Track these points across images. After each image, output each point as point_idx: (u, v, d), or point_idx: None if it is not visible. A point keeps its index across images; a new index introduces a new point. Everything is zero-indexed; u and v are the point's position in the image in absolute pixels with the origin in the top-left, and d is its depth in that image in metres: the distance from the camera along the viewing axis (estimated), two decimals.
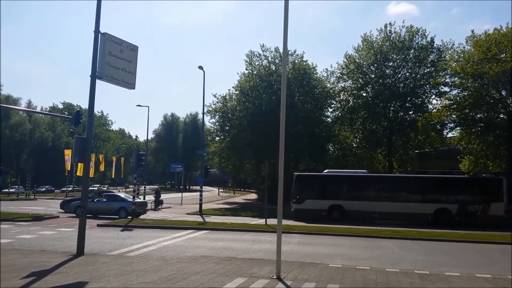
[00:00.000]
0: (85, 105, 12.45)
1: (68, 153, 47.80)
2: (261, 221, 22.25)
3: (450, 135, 35.66)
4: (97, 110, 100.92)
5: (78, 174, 43.57)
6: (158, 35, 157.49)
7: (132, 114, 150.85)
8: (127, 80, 12.85)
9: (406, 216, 24.42)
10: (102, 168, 59.96)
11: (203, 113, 36.49)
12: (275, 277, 8.94)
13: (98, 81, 12.24)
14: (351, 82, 37.35)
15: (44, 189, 62.57)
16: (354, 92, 37.21)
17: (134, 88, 13.07)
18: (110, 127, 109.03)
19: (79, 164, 35.63)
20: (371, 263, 11.43)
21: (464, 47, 32.28)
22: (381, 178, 28.42)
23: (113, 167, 63.53)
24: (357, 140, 39.03)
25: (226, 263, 10.55)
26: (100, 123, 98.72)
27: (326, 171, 29.36)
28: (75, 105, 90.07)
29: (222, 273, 9.25)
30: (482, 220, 23.87)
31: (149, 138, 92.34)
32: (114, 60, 12.41)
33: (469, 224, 23.05)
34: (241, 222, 22.67)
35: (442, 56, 35.01)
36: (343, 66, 36.92)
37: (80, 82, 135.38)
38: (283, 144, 9.55)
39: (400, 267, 10.73)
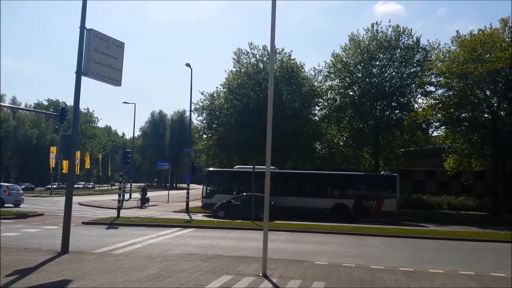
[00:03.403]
0: (70, 102, 12.40)
1: (53, 150, 47.21)
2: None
3: (435, 134, 36.10)
4: (83, 107, 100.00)
5: (63, 171, 43.08)
6: (145, 32, 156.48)
7: (118, 111, 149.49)
8: (113, 76, 12.73)
9: (308, 211, 25.25)
10: (87, 165, 59.44)
11: (191, 111, 36.34)
12: (261, 274, 8.96)
13: (83, 78, 12.12)
14: (338, 81, 37.46)
15: (23, 186, 60.64)
16: (341, 91, 37.33)
17: (120, 85, 12.97)
18: (96, 124, 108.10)
19: (64, 161, 35.23)
20: (357, 260, 11.53)
21: (449, 47, 32.69)
22: (285, 174, 29.12)
23: (99, 165, 62.98)
24: (344, 138, 39.20)
25: (212, 260, 10.55)
26: (86, 120, 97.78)
27: (236, 167, 30.53)
28: (61, 102, 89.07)
29: (208, 270, 9.24)
30: (376, 215, 25.10)
31: (136, 135, 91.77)
32: (100, 57, 12.28)
33: (365, 219, 24.12)
34: (228, 220, 22.64)
35: (428, 56, 35.30)
36: (331, 65, 37.01)
37: (66, 78, 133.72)
38: (270, 142, 9.58)
39: (385, 264, 10.83)
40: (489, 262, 12.26)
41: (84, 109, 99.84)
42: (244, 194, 25.07)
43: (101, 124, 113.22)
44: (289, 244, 14.78)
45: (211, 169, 30.04)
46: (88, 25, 12.07)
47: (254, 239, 15.18)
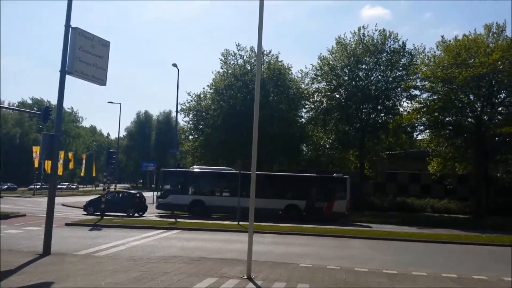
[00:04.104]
0: (55, 101, 12.17)
1: (36, 150, 46.54)
2: (234, 221, 22.19)
3: (419, 137, 36.49)
4: (67, 106, 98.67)
5: (46, 171, 42.47)
6: (131, 31, 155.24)
7: (103, 111, 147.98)
8: (98, 76, 12.61)
9: (261, 211, 25.19)
10: (71, 166, 58.71)
11: (177, 111, 36.10)
12: (245, 277, 8.94)
13: (68, 77, 12.00)
14: (325, 84, 37.63)
15: (6, 186, 59.31)
16: (328, 93, 37.52)
17: (105, 84, 12.86)
18: (81, 124, 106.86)
19: (47, 161, 34.72)
20: (341, 262, 11.57)
21: (434, 52, 33.06)
22: (237, 175, 29.10)
23: (83, 165, 62.22)
24: (330, 141, 39.40)
25: (196, 263, 10.49)
26: (70, 120, 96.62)
27: (193, 167, 31.04)
28: (45, 100, 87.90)
29: (192, 273, 9.18)
30: (327, 216, 25.49)
31: (121, 135, 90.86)
32: (85, 55, 12.16)
33: (316, 219, 24.39)
34: (214, 222, 22.56)
35: (414, 60, 35.67)
36: (317, 68, 37.18)
37: (51, 77, 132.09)
38: (256, 143, 9.57)
39: (369, 267, 10.89)
40: (471, 265, 12.41)
41: (68, 109, 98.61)
42: (115, 191, 26.18)
43: (85, 124, 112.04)
44: (274, 246, 14.77)
45: (165, 169, 30.24)
46: (73, 24, 11.97)
47: (239, 241, 15.13)
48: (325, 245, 15.52)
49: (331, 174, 28.36)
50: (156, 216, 26.00)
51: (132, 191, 31.75)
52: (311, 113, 39.04)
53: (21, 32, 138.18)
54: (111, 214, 24.36)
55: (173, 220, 22.21)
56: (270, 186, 27.09)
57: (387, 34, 35.81)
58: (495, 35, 31.06)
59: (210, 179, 28.49)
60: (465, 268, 11.69)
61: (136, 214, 26.05)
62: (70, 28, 11.93)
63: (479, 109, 30.98)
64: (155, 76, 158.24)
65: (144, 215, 26.66)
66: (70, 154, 60.13)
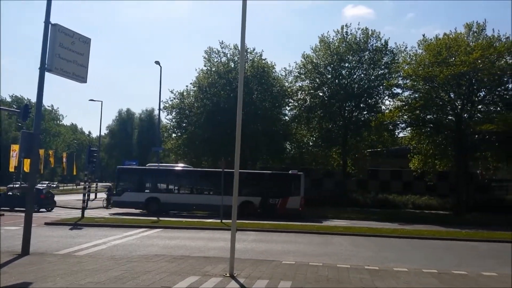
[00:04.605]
0: (35, 98, 11.93)
1: (15, 148, 45.59)
2: (217, 219, 22.14)
3: (401, 135, 36.91)
4: (47, 104, 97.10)
5: (26, 170, 41.69)
6: (112, 28, 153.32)
7: (84, 109, 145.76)
8: (78, 73, 12.44)
9: (215, 208, 25.62)
10: (52, 164, 57.80)
11: (159, 109, 35.92)
12: (228, 275, 8.91)
13: (48, 74, 11.84)
14: (308, 82, 37.76)
15: None
16: (311, 91, 37.66)
17: (85, 82, 12.70)
18: (61, 121, 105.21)
19: (26, 160, 34.12)
20: (324, 259, 11.63)
21: (416, 51, 33.47)
22: (192, 172, 29.94)
23: (64, 164, 61.28)
24: (313, 138, 39.57)
25: (179, 261, 10.41)
26: (50, 118, 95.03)
27: (148, 165, 31.43)
28: (26, 98, 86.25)
29: (174, 272, 9.11)
30: (280, 212, 25.94)
31: (103, 134, 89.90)
32: (65, 53, 11.99)
33: (270, 216, 24.75)
34: (197, 220, 22.45)
35: (396, 58, 36.05)
36: (301, 66, 37.29)
37: (31, 74, 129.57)
38: (239, 141, 9.55)
39: (351, 263, 10.97)
40: (451, 260, 12.61)
41: (49, 106, 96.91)
42: (22, 185, 25.68)
43: (66, 122, 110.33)
44: (257, 244, 14.77)
45: (121, 166, 30.30)
46: (53, 20, 11.79)
47: (222, 239, 15.09)
48: (308, 242, 15.58)
49: (295, 171, 28.40)
50: (109, 214, 25.33)
51: (40, 187, 31.70)
52: (294, 111, 39.14)
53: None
54: (17, 209, 24.45)
55: (155, 218, 22.03)
56: (226, 182, 27.55)
57: (370, 33, 36.13)
58: (475, 34, 31.56)
59: (165, 177, 28.54)
60: (446, 263, 11.87)
61: (42, 210, 26.25)
62: (50, 25, 11.77)
63: (459, 107, 31.48)
64: (137, 74, 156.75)
65: (52, 210, 26.97)
66: (50, 153, 59.13)
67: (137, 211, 26.79)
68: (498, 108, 31.45)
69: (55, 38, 11.71)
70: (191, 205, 27.10)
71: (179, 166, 30.46)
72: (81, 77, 12.56)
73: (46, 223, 18.78)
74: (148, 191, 27.86)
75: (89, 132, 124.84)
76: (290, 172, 27.72)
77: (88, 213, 23.15)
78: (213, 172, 29.82)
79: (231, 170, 30.12)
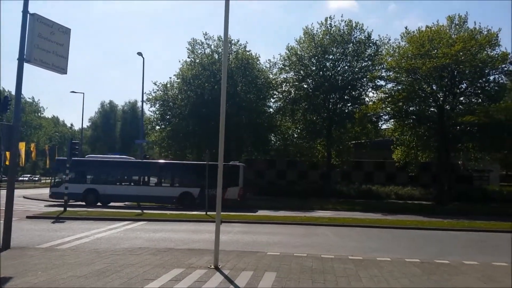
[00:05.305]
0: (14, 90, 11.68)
1: None
2: (202, 211, 22.09)
3: (384, 126, 37.25)
4: (28, 96, 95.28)
5: (6, 163, 40.94)
6: (93, 19, 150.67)
7: (66, 101, 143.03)
8: (58, 64, 12.21)
9: (156, 199, 26.68)
10: (33, 157, 56.87)
11: (142, 101, 35.53)
12: (212, 267, 8.89)
13: (27, 65, 11.62)
14: (293, 74, 37.75)
15: None
16: (296, 83, 37.68)
17: (66, 73, 12.48)
18: (43, 114, 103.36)
19: (7, 153, 33.44)
20: (308, 250, 11.70)
21: (399, 43, 33.67)
22: (132, 163, 30.06)
23: (46, 157, 60.36)
24: (298, 130, 39.68)
25: (163, 254, 10.36)
26: (31, 110, 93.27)
27: (87, 156, 31.82)
28: (7, 90, 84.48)
29: (158, 264, 9.06)
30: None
31: (85, 126, 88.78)
32: (44, 43, 11.77)
33: (208, 206, 24.47)
34: (181, 212, 22.36)
35: (379, 50, 36.25)
36: (285, 58, 37.23)
37: (11, 65, 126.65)
38: (223, 133, 9.48)
39: (335, 254, 11.06)
40: (433, 249, 12.80)
41: (29, 98, 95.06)
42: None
43: (48, 114, 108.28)
44: (242, 235, 14.78)
45: (59, 158, 30.37)
46: (32, 10, 11.54)
47: (207, 231, 15.06)
48: (293, 233, 15.64)
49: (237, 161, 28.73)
50: (45, 206, 25.29)
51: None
52: (279, 103, 39.14)
53: None
54: None
55: (139, 211, 21.89)
56: (165, 174, 28.27)
57: (353, 25, 36.20)
58: (457, 26, 31.89)
59: (104, 168, 28.63)
60: (428, 252, 12.04)
61: None
62: (28, 14, 11.55)
63: (441, 99, 31.85)
64: (120, 65, 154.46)
65: None
66: (32, 145, 58.16)
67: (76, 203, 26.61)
68: (480, 100, 31.95)
69: (34, 28, 11.50)
70: (130, 196, 27.28)
71: (118, 158, 30.48)
72: (61, 68, 12.34)
73: (28, 217, 18.48)
74: (86, 182, 27.84)
75: (71, 125, 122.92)
76: (230, 163, 27.93)
77: (71, 206, 22.79)
78: (150, 164, 30.61)
79: (173, 162, 30.77)
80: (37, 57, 11.61)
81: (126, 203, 27.96)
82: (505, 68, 30.69)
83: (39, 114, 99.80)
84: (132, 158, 31.96)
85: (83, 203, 26.45)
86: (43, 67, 11.97)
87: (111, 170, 28.45)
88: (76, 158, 30.40)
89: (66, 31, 12.43)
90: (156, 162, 32.25)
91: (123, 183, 27.90)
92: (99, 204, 26.63)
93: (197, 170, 28.07)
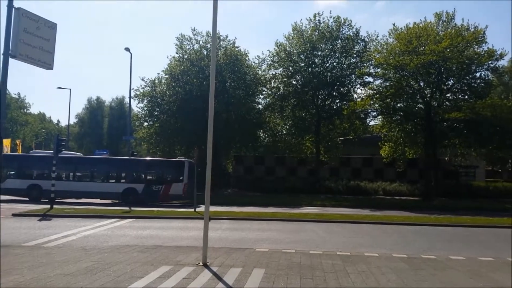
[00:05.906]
0: None
1: None
2: (191, 208, 22.02)
3: (372, 123, 37.51)
4: (13, 92, 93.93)
5: None
6: (79, 14, 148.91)
7: (53, 97, 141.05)
8: (44, 59, 12.10)
9: (100, 195, 26.58)
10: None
11: (130, 97, 35.23)
12: (201, 264, 8.86)
13: (12, 60, 11.48)
14: (281, 70, 37.80)
15: None
16: (285, 79, 37.74)
17: (52, 69, 12.36)
18: (29, 110, 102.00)
19: None
20: (297, 246, 11.72)
21: (387, 40, 33.88)
22: (76, 159, 30.08)
23: None
24: (287, 127, 39.76)
25: (151, 251, 10.30)
26: (17, 106, 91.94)
27: (31, 152, 32.03)
28: None
29: (146, 262, 9.00)
30: (162, 199, 26.68)
31: (72, 122, 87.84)
32: (30, 38, 11.65)
33: (152, 202, 25.50)
34: (169, 209, 22.27)
35: (367, 47, 36.42)
36: (274, 54, 37.24)
37: None
38: (212, 130, 9.43)
39: (323, 249, 11.10)
40: (420, 245, 12.92)
41: (15, 94, 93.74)
42: None
43: (34, 110, 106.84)
44: (230, 232, 14.77)
45: (5, 153, 30.15)
46: (16, 4, 11.37)
47: (195, 228, 15.01)
48: (281, 229, 15.67)
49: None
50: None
51: None
52: (268, 99, 39.17)
53: None
54: None
55: (127, 208, 21.74)
56: (109, 170, 28.11)
57: (342, 21, 36.30)
58: (444, 23, 32.20)
59: (47, 164, 27.63)
60: (415, 248, 12.16)
61: None
62: (13, 9, 11.40)
63: (428, 95, 32.15)
64: (107, 61, 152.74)
65: None
66: (18, 142, 57.39)
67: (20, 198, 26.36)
68: (466, 96, 32.33)
69: (19, 22, 11.39)
70: (74, 192, 26.81)
71: (63, 154, 30.23)
72: (47, 64, 12.23)
73: (14, 214, 18.24)
74: (29, 177, 27.57)
75: (58, 121, 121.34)
76: (176, 159, 28.07)
77: (58, 203, 22.56)
78: (94, 160, 30.93)
79: (117, 158, 31.17)
80: (23, 52, 11.50)
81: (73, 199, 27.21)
82: (492, 65, 31.06)
83: (25, 110, 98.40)
84: (80, 154, 32.08)
85: (27, 199, 26.17)
86: (29, 62, 11.85)
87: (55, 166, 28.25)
88: (19, 154, 30.49)
89: (52, 26, 12.29)
90: (100, 158, 32.99)
91: (65, 179, 27.28)
92: (44, 200, 25.37)
93: (142, 166, 28.74)
